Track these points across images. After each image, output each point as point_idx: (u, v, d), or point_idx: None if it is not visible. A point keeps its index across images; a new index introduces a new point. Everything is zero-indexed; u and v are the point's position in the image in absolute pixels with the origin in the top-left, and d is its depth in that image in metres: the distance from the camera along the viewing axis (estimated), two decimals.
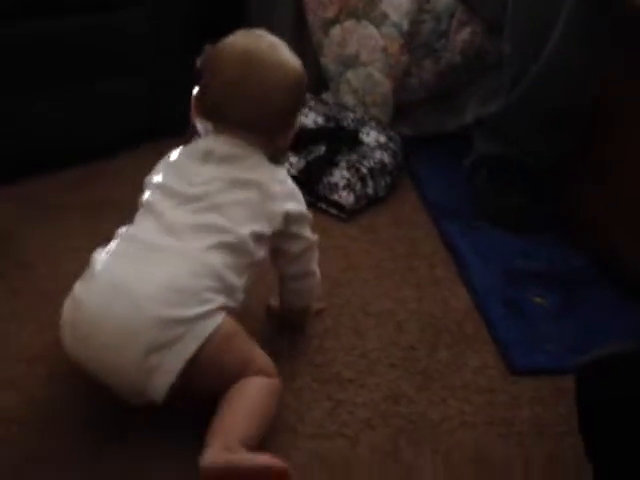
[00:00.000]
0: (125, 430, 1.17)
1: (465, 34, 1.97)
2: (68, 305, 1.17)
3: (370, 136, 1.89)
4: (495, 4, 1.93)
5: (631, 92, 1.53)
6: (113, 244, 1.20)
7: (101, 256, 1.18)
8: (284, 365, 1.26)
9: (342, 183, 1.77)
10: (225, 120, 1.23)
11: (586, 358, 0.99)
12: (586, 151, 1.66)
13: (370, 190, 1.80)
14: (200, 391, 1.14)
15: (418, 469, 1.16)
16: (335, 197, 1.76)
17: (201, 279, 1.13)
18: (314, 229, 1.31)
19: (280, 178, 1.25)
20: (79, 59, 1.75)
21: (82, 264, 1.42)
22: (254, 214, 1.19)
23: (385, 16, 1.94)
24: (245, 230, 1.18)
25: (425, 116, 2.09)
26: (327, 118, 1.91)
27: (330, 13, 2.01)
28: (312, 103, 1.96)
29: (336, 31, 2.01)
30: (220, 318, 1.14)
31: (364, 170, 1.79)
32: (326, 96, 2.07)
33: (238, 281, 1.18)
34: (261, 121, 1.23)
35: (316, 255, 1.32)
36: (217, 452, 1.05)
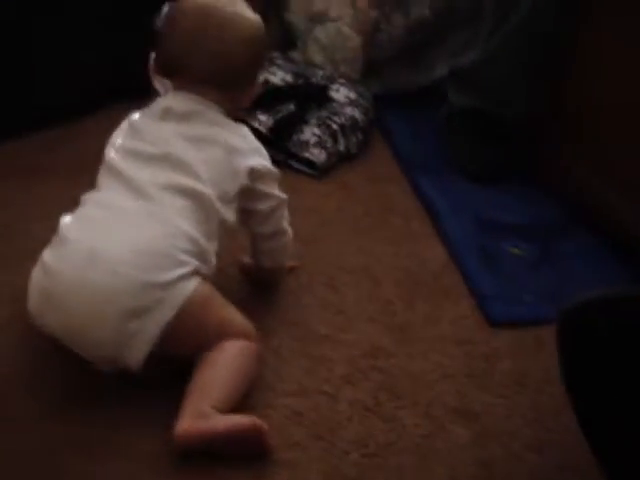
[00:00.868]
0: (97, 398, 1.14)
1: None
2: (37, 273, 1.14)
3: (340, 92, 1.85)
4: None
5: (606, 38, 1.52)
6: (81, 209, 1.17)
7: (70, 222, 1.15)
8: (260, 324, 1.23)
9: (313, 140, 1.74)
10: (183, 75, 1.21)
11: (569, 303, 0.97)
12: (560, 101, 1.64)
13: (341, 147, 1.77)
14: (176, 356, 1.12)
15: (400, 422, 1.14)
16: (306, 154, 1.73)
17: (176, 241, 1.11)
18: (285, 188, 1.29)
19: (241, 133, 1.24)
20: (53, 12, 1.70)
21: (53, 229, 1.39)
22: (219, 172, 1.17)
23: None
24: (212, 191, 1.16)
25: (395, 72, 2.05)
26: (296, 75, 1.87)
27: None
28: (280, 61, 1.92)
29: None
30: (196, 282, 1.12)
31: (335, 127, 1.76)
32: (294, 54, 2.03)
33: (209, 245, 1.16)
34: (219, 75, 1.21)
35: (286, 213, 1.30)
36: (190, 420, 1.04)
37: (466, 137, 1.76)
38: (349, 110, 1.81)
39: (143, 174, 1.15)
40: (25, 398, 1.13)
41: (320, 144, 1.73)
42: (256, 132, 1.62)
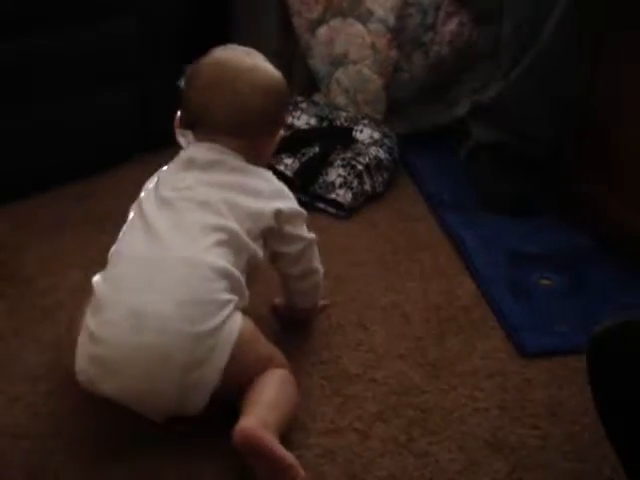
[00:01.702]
0: (133, 443, 1.15)
1: (453, 25, 1.96)
2: (83, 340, 1.13)
3: (364, 133, 1.87)
4: None
5: (628, 74, 1.52)
6: (111, 268, 1.17)
7: (104, 284, 1.15)
8: (291, 364, 1.24)
9: (338, 181, 1.75)
10: (203, 126, 1.24)
11: (597, 329, 0.96)
12: (585, 131, 1.65)
13: (367, 186, 1.78)
14: (226, 394, 1.13)
15: (433, 457, 1.14)
16: (332, 196, 1.74)
17: (212, 282, 1.12)
18: (314, 228, 1.30)
19: (264, 177, 1.25)
20: (68, 74, 1.74)
21: (80, 279, 1.42)
22: (239, 212, 1.18)
23: (370, 12, 1.93)
24: (236, 225, 1.17)
25: (418, 111, 2.07)
26: (320, 119, 1.90)
27: (315, 13, 2.00)
28: (304, 105, 1.95)
29: (323, 31, 2.00)
30: (240, 318, 1.14)
31: (360, 167, 1.78)
32: (317, 97, 2.06)
33: (242, 277, 1.17)
34: (236, 125, 1.22)
35: (316, 253, 1.30)
36: (257, 423, 1.05)
37: (491, 171, 1.77)
38: (373, 150, 1.83)
39: (165, 217, 1.17)
40: (60, 448, 1.15)
41: (346, 184, 1.75)
42: (282, 175, 1.66)
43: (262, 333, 1.19)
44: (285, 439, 1.12)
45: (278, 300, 1.38)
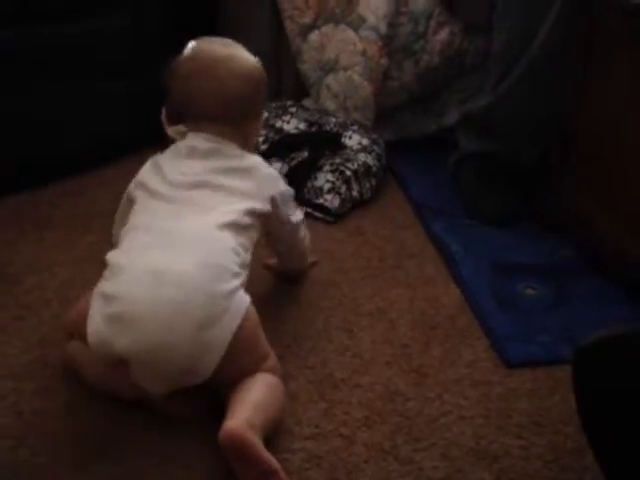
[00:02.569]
0: (116, 444, 1.15)
1: (443, 35, 1.97)
2: (97, 304, 1.13)
3: (353, 139, 1.88)
4: (474, 4, 1.93)
5: (616, 81, 1.53)
6: (127, 242, 1.19)
7: (122, 253, 1.18)
8: None
9: (327, 186, 1.76)
10: (191, 118, 1.29)
11: (583, 341, 0.97)
12: (572, 143, 1.66)
13: (355, 192, 1.79)
14: (217, 384, 1.14)
15: (417, 465, 1.14)
16: (320, 201, 1.75)
17: (228, 253, 1.17)
18: None
19: (259, 163, 1.31)
20: (59, 67, 1.74)
21: (66, 277, 1.42)
22: (244, 197, 1.24)
23: (362, 19, 1.94)
24: (241, 207, 1.22)
25: (407, 120, 2.08)
26: (309, 123, 1.90)
27: (307, 19, 2.00)
28: (293, 109, 1.95)
29: (314, 36, 2.01)
30: (248, 298, 1.17)
31: (348, 173, 1.79)
32: (307, 102, 2.07)
33: (248, 256, 1.22)
34: (222, 111, 1.28)
35: (303, 226, 1.43)
36: (243, 425, 1.06)
37: (478, 181, 1.78)
38: (362, 156, 1.84)
39: (182, 200, 1.21)
40: (44, 447, 1.14)
41: (334, 190, 1.76)
42: None
43: None
44: (270, 443, 1.12)
45: (272, 261, 1.50)
